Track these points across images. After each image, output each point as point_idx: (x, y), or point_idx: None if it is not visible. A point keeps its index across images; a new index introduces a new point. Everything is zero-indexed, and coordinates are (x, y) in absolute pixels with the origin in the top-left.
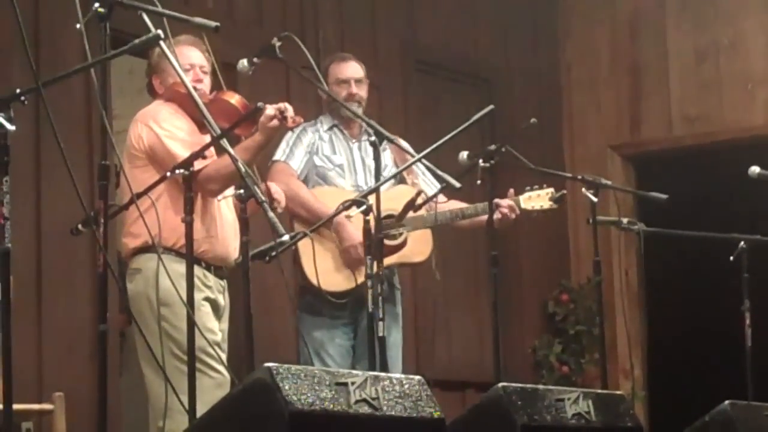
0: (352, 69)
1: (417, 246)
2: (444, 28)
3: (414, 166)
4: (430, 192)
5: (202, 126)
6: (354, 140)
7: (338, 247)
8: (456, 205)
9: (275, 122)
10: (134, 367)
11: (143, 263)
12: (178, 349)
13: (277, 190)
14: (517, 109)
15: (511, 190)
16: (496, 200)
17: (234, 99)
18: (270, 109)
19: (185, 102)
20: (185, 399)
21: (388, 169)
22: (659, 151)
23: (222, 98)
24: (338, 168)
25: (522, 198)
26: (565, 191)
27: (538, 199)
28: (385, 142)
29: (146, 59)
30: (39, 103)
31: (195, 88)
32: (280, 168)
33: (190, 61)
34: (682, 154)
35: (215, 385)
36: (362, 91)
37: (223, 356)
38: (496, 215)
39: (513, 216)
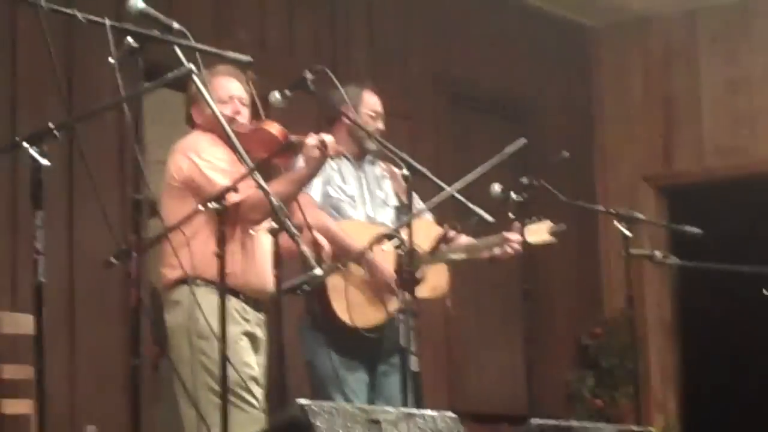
0: (380, 103)
1: (435, 279)
2: (476, 60)
3: (415, 197)
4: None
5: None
6: (359, 169)
7: (367, 283)
8: (466, 239)
9: (317, 152)
10: (169, 398)
11: (182, 295)
12: (215, 382)
13: (322, 238)
14: (549, 140)
15: (516, 224)
16: (507, 235)
17: (274, 129)
18: (311, 139)
19: (225, 132)
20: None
21: (390, 198)
22: (692, 182)
23: (262, 128)
24: (350, 199)
25: (525, 231)
26: (563, 225)
27: (537, 233)
28: (382, 169)
29: (179, 90)
30: (72, 138)
31: (233, 120)
32: (305, 200)
33: (229, 92)
34: (715, 186)
35: (250, 420)
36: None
37: (261, 391)
38: (508, 250)
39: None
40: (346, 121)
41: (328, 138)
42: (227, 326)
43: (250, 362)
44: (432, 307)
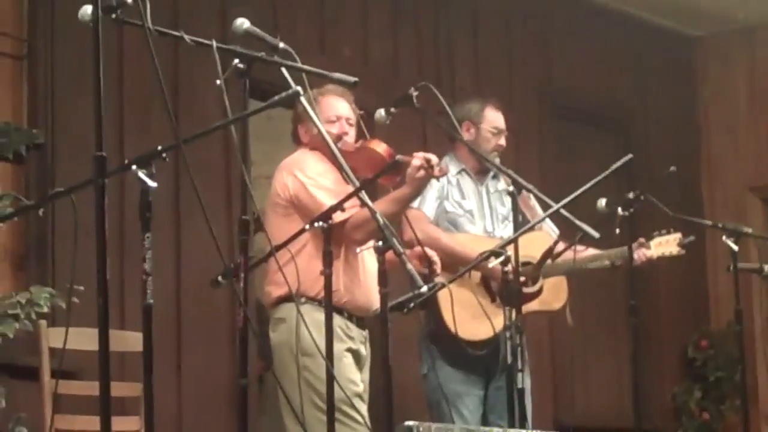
0: (504, 121)
1: (553, 293)
2: (579, 71)
3: (536, 208)
4: (550, 235)
5: None
6: (481, 184)
7: (477, 297)
8: (591, 251)
9: (422, 173)
10: (272, 412)
11: (287, 313)
12: (320, 399)
13: (433, 253)
14: (654, 152)
15: (641, 239)
16: (636, 254)
17: (381, 148)
18: (416, 160)
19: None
20: None
21: (509, 214)
22: None
23: (368, 147)
24: (468, 214)
25: (652, 244)
26: (693, 237)
27: (666, 245)
28: (507, 183)
29: (284, 107)
30: (179, 158)
31: (339, 139)
32: (415, 215)
33: (336, 112)
34: None
35: None
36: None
37: (364, 407)
38: (636, 262)
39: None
40: (468, 137)
41: (433, 158)
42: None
43: (355, 379)
44: (538, 321)
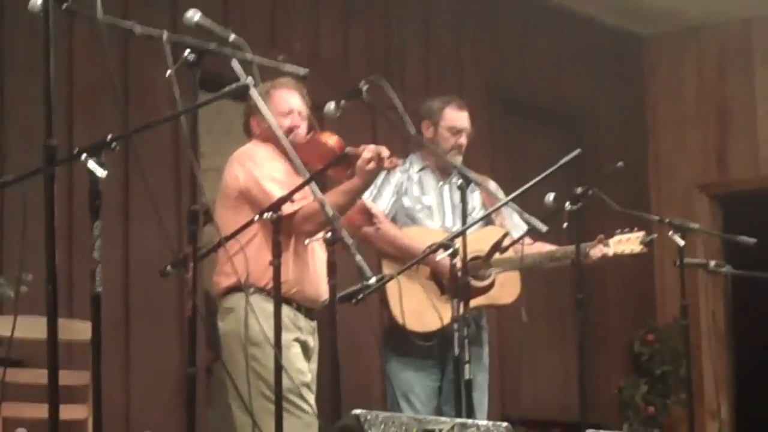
0: (467, 119)
1: (505, 288)
2: (530, 69)
3: (503, 208)
4: (518, 233)
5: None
6: (443, 182)
7: (425, 289)
8: (543, 246)
9: (372, 165)
10: (220, 403)
11: (235, 302)
12: (268, 389)
13: (374, 205)
14: (603, 149)
15: (601, 236)
16: (590, 251)
17: (332, 140)
18: (367, 152)
19: (281, 143)
20: None
21: (477, 210)
22: (746, 191)
23: (319, 139)
24: (427, 209)
25: (612, 241)
26: (655, 235)
27: (628, 243)
28: (473, 184)
29: (234, 99)
30: (128, 148)
31: (291, 131)
32: None
33: (289, 106)
34: None
35: (304, 426)
36: (466, 141)
37: (312, 397)
38: (588, 261)
39: (601, 262)
40: (427, 135)
41: (383, 150)
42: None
43: (303, 369)
44: (486, 315)
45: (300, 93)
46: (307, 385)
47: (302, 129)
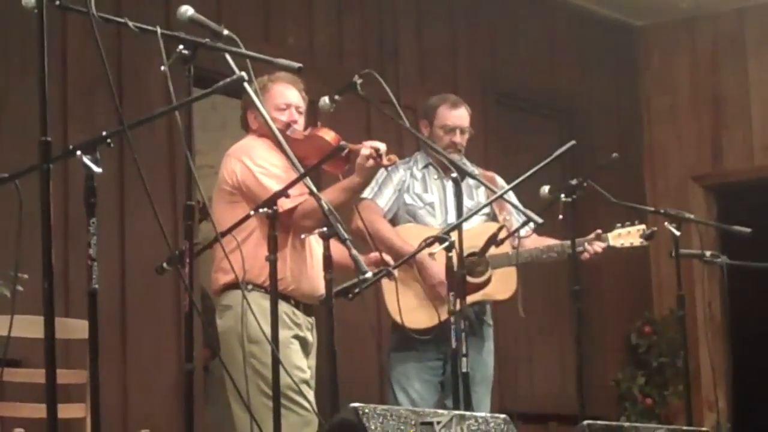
0: (462, 118)
1: (501, 284)
2: (524, 61)
3: (507, 204)
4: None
5: (299, 161)
6: (447, 179)
7: (422, 285)
8: (539, 240)
9: (371, 162)
10: (219, 400)
11: (233, 300)
12: (266, 386)
13: (389, 259)
14: (597, 141)
15: (599, 231)
16: (587, 245)
17: (329, 136)
18: (365, 149)
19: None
20: None
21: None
22: (741, 181)
23: (317, 135)
24: (429, 206)
25: (611, 235)
26: (655, 228)
27: (628, 236)
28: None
29: (228, 95)
30: (123, 144)
31: (288, 126)
32: (366, 205)
33: (286, 100)
34: (764, 184)
35: (302, 423)
36: (464, 140)
37: (311, 393)
38: (584, 256)
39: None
40: (425, 133)
41: (382, 146)
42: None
43: (302, 366)
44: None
45: (297, 88)
46: (307, 382)
47: (300, 124)
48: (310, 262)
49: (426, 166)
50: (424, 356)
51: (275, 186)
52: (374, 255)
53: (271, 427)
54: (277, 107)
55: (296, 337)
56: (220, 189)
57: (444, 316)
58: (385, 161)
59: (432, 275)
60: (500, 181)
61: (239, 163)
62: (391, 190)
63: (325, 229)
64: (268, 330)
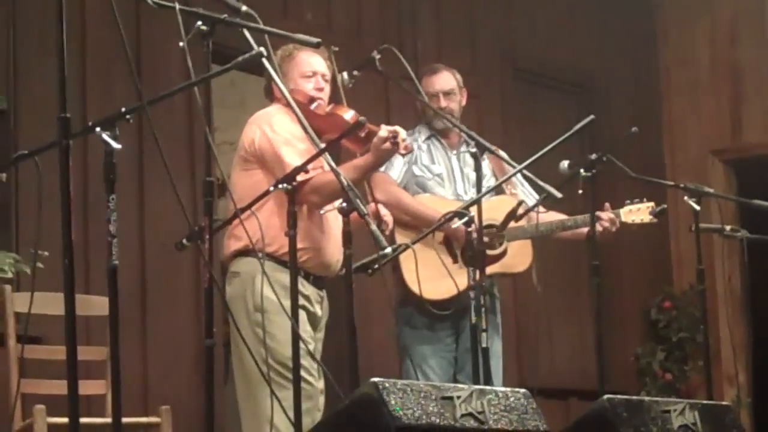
0: (442, 82)
1: (517, 256)
2: (542, 36)
3: (513, 177)
4: (529, 201)
5: (318, 135)
6: (453, 150)
7: (440, 255)
8: (555, 215)
9: (387, 145)
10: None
11: (242, 266)
12: (270, 356)
13: (386, 212)
14: (616, 115)
15: (607, 204)
16: (597, 213)
17: (348, 115)
18: (383, 131)
19: (302, 110)
20: (278, 406)
21: (487, 178)
22: (761, 155)
23: (337, 113)
24: (437, 177)
25: (622, 211)
26: (665, 206)
27: (638, 213)
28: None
29: (247, 72)
30: (142, 120)
31: (313, 99)
32: (381, 178)
33: (312, 68)
34: None
35: (305, 396)
36: (452, 103)
37: (315, 365)
38: (598, 227)
39: (614, 229)
40: (419, 105)
41: (401, 132)
42: (283, 300)
43: (306, 337)
44: (503, 283)
45: (323, 56)
46: (310, 353)
47: (326, 93)
48: (327, 236)
49: (429, 138)
50: (440, 334)
51: (290, 155)
52: (371, 206)
53: (269, 395)
54: (303, 74)
55: (303, 308)
56: (238, 156)
57: (462, 287)
58: (401, 148)
59: (459, 228)
60: (503, 154)
61: (258, 130)
62: (401, 162)
63: (344, 204)
64: (273, 299)
